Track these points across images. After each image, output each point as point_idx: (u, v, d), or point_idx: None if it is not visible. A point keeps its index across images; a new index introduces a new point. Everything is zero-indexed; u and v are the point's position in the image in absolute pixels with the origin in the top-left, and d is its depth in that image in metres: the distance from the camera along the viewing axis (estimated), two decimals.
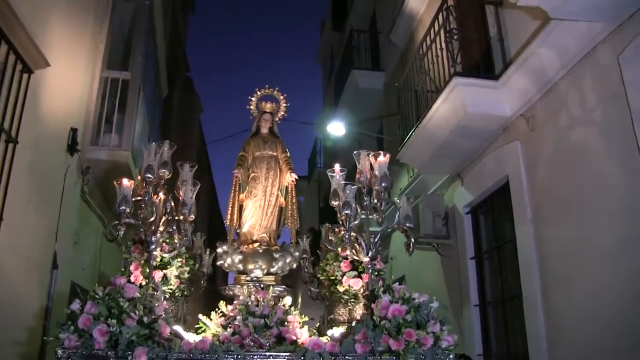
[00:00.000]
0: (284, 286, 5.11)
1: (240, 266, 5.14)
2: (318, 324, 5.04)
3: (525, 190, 6.96)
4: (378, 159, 4.42)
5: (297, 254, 5.31)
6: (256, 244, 5.22)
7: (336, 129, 13.62)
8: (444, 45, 7.63)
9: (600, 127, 5.62)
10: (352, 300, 4.86)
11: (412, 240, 4.42)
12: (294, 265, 5.34)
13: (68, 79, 7.30)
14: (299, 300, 4.89)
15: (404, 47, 12.23)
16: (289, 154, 5.69)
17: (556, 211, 6.34)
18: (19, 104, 5.69)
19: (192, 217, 4.38)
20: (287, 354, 3.88)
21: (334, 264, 4.98)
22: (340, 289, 4.90)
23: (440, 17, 7.75)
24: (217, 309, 4.50)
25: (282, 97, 5.88)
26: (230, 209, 5.47)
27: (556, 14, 5.55)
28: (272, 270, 5.13)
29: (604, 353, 5.24)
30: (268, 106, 5.83)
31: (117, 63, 9.07)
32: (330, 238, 5.16)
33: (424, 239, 8.88)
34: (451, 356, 3.87)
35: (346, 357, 3.84)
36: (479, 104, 7.14)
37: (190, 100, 22.57)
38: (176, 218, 4.38)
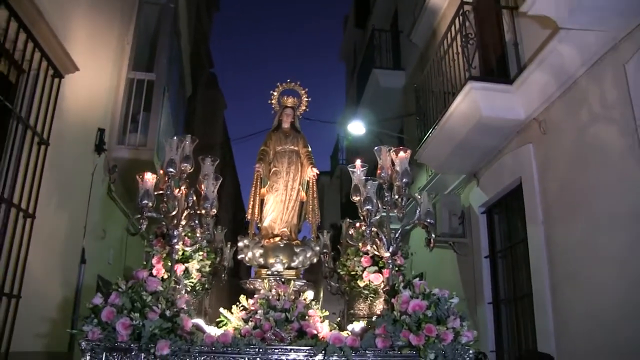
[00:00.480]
0: (304, 280, 5.12)
1: (261, 260, 5.16)
2: (339, 318, 5.06)
3: (537, 192, 7.18)
4: (399, 154, 4.41)
5: (317, 248, 5.32)
6: (277, 238, 5.24)
7: (356, 128, 13.92)
8: (460, 49, 7.83)
9: (607, 134, 5.82)
10: (372, 295, 4.89)
11: (433, 236, 4.45)
12: (315, 260, 5.35)
13: (95, 80, 7.54)
14: (321, 294, 4.89)
15: (423, 47, 12.48)
16: (310, 149, 5.69)
17: (566, 213, 6.57)
18: (50, 107, 5.94)
19: (214, 211, 4.40)
20: (308, 348, 3.90)
21: (355, 259, 5.01)
22: (361, 283, 4.94)
23: (457, 21, 7.95)
24: (238, 303, 4.53)
25: (303, 92, 5.87)
26: (251, 203, 5.48)
27: (564, 23, 5.78)
28: (292, 264, 5.15)
29: (608, 350, 5.46)
30: (290, 101, 5.82)
31: (143, 64, 9.35)
32: (350, 233, 5.18)
33: (441, 237, 8.99)
34: (471, 351, 3.89)
35: (367, 351, 3.86)
36: (494, 107, 7.35)
37: (214, 97, 22.69)
38: (198, 212, 4.41)
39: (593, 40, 5.90)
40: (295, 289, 4.71)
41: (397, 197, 4.39)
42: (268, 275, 5.01)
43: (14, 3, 5.05)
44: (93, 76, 7.41)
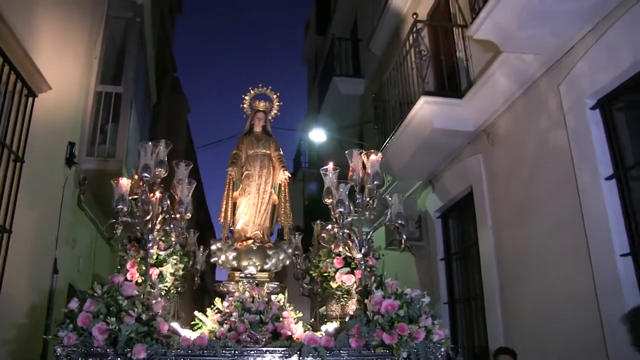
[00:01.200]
0: (277, 282, 5.16)
1: (235, 263, 5.19)
2: (312, 319, 5.13)
3: (486, 199, 7.83)
4: (370, 157, 4.50)
5: (290, 250, 5.37)
6: (250, 241, 5.27)
7: (318, 135, 14.30)
8: (414, 65, 8.45)
9: (545, 148, 6.53)
10: (345, 296, 4.94)
11: (404, 237, 4.55)
12: (287, 262, 5.40)
13: (65, 95, 7.62)
14: (286, 296, 4.97)
15: (382, 56, 12.93)
16: (281, 152, 5.73)
17: (513, 219, 7.20)
18: (25, 126, 6.12)
19: (189, 215, 4.45)
20: (284, 349, 3.97)
21: (327, 260, 5.06)
22: (333, 285, 4.99)
23: (411, 37, 8.55)
24: (212, 306, 4.55)
25: (275, 96, 5.92)
26: (224, 206, 5.50)
27: (505, 47, 6.56)
28: (265, 267, 5.18)
29: (553, 345, 6.01)
30: (261, 105, 5.88)
31: (109, 76, 9.47)
32: (322, 235, 5.26)
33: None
34: (442, 349, 3.99)
35: (341, 351, 3.93)
36: (445, 119, 7.96)
37: (178, 101, 22.66)
38: (173, 216, 4.44)
39: (531, 62, 6.63)
40: (268, 291, 4.74)
41: (368, 199, 4.46)
42: (241, 277, 4.99)
43: None
44: (63, 91, 7.50)
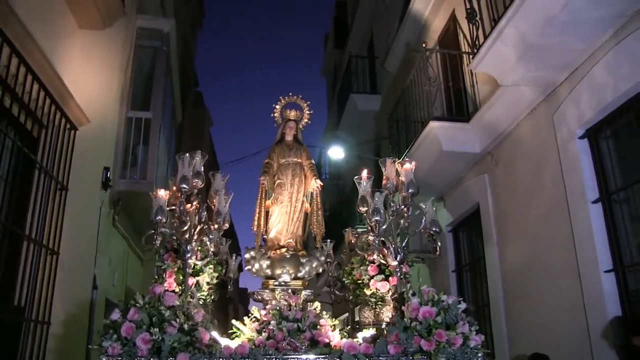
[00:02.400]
0: (311, 290, 5.25)
1: (268, 271, 5.28)
2: (349, 326, 5.20)
3: (491, 216, 8.53)
4: (404, 166, 4.62)
5: (322, 258, 5.44)
6: (283, 249, 5.36)
7: (336, 153, 14.96)
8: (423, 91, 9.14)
9: (542, 171, 7.16)
10: (379, 303, 5.02)
11: (439, 243, 4.64)
12: (320, 270, 5.48)
13: (100, 124, 8.10)
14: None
15: (396, 75, 13.52)
16: (313, 161, 5.82)
17: (513, 235, 7.91)
18: (67, 157, 6.81)
19: (226, 225, 4.55)
20: (324, 356, 4.04)
21: (361, 267, 5.14)
22: (367, 292, 5.07)
23: (420, 63, 9.21)
24: (249, 313, 4.68)
25: (305, 105, 6.01)
26: (257, 214, 5.57)
27: (503, 81, 7.22)
28: (299, 274, 5.27)
29: (550, 350, 6.15)
30: (292, 114, 5.95)
31: (138, 101, 9.97)
32: (353, 241, 5.34)
33: (413, 253, 9.58)
34: (480, 355, 4.05)
35: (380, 357, 4.00)
36: (453, 142, 8.59)
37: (201, 115, 23.04)
38: (210, 227, 4.54)
39: (528, 93, 7.26)
40: (304, 298, 4.89)
41: (402, 206, 4.57)
42: (275, 285, 5.15)
43: (34, 65, 5.75)
44: (98, 120, 7.94)
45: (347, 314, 14.80)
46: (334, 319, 4.71)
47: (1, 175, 5.81)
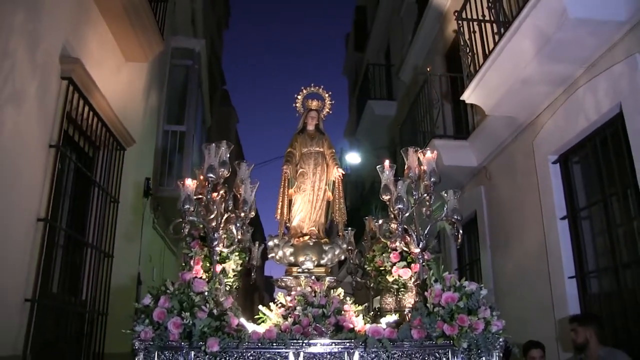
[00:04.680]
0: (334, 277, 5.40)
1: (292, 258, 5.43)
2: (371, 312, 5.34)
3: (486, 223, 9.83)
4: (426, 155, 4.80)
5: (344, 246, 5.58)
6: (306, 237, 5.51)
7: (353, 158, 17.07)
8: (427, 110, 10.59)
9: (523, 189, 8.34)
10: (402, 289, 5.17)
11: (460, 232, 4.78)
12: (342, 257, 5.61)
13: (142, 140, 9.38)
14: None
15: (409, 84, 14.89)
16: (334, 150, 5.96)
17: (503, 242, 9.16)
18: (118, 173, 8.16)
19: (252, 213, 4.74)
20: (349, 340, 4.19)
21: (383, 255, 5.30)
22: (390, 278, 5.23)
23: (425, 87, 10.48)
24: (274, 300, 4.83)
25: (327, 95, 6.13)
26: (280, 203, 5.73)
27: (490, 112, 8.38)
28: (322, 262, 5.41)
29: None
30: (314, 104, 6.07)
31: (173, 115, 11.24)
32: (374, 229, 5.49)
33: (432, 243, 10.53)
34: (501, 340, 4.19)
35: (404, 342, 4.17)
36: (453, 157, 9.81)
37: (228, 113, 23.74)
38: (237, 215, 4.67)
39: (513, 120, 8.41)
40: (328, 285, 5.01)
41: (425, 195, 4.74)
42: (299, 273, 5.31)
43: (92, 101, 7.01)
44: (140, 137, 9.15)
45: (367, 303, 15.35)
46: (357, 305, 4.90)
47: (66, 191, 6.98)
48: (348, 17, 27.24)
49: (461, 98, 8.75)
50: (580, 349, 5.70)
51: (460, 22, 8.74)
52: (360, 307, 4.86)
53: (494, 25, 7.63)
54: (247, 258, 5.51)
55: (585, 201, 7.30)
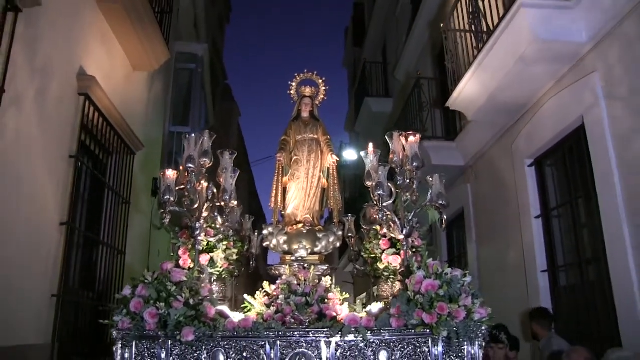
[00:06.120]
0: (327, 265, 5.10)
1: (286, 246, 5.14)
2: (364, 298, 5.17)
3: (472, 219, 10.17)
4: (409, 139, 4.38)
5: (340, 233, 5.26)
6: (300, 225, 5.23)
7: (350, 154, 17.81)
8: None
9: (503, 189, 8.82)
10: (392, 277, 4.88)
11: (445, 217, 4.43)
12: (338, 244, 5.27)
13: (150, 142, 9.58)
14: (334, 278, 5.09)
15: (404, 82, 14.62)
16: (329, 137, 5.61)
17: (486, 237, 9.57)
18: (129, 176, 8.44)
19: (234, 202, 4.43)
20: (326, 329, 3.90)
21: (374, 242, 4.99)
22: (381, 266, 4.91)
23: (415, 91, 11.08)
24: (261, 289, 4.54)
25: (321, 81, 5.83)
26: (274, 191, 5.44)
27: (472, 118, 8.77)
28: (316, 249, 5.11)
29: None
30: (308, 90, 5.79)
31: (178, 116, 11.55)
32: (374, 217, 5.32)
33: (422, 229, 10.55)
34: (483, 328, 3.84)
35: (382, 330, 3.86)
36: (441, 157, 10.26)
37: (230, 107, 23.51)
38: (218, 204, 4.47)
39: (494, 125, 8.81)
40: (318, 273, 4.73)
41: (408, 180, 4.37)
42: (292, 261, 5.00)
43: (105, 112, 7.47)
44: (149, 141, 9.41)
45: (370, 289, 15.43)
46: (344, 292, 4.74)
47: (83, 195, 7.28)
48: (350, 9, 26.70)
49: (446, 105, 9.01)
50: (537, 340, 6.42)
51: (444, 33, 9.03)
52: (346, 295, 4.51)
53: (474, 39, 7.93)
54: (245, 247, 5.28)
55: (556, 202, 7.64)
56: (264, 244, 5.28)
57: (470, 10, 7.93)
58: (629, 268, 5.73)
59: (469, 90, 8.13)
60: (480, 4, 7.65)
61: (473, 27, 7.90)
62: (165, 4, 9.72)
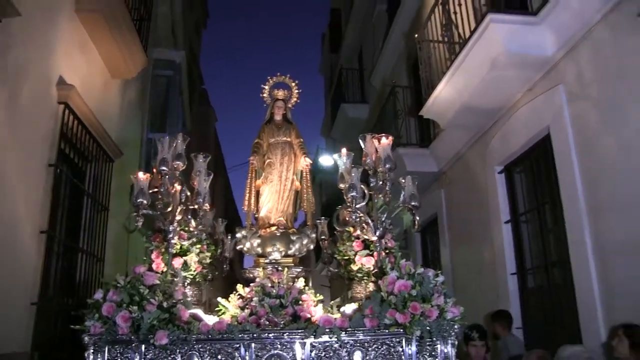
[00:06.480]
0: (301, 267, 5.03)
1: (259, 249, 5.06)
2: (339, 300, 5.15)
3: (445, 223, 10.37)
4: (381, 141, 4.33)
5: (313, 235, 5.19)
6: (274, 228, 5.13)
7: (326, 160, 17.69)
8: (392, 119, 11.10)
9: (475, 195, 9.07)
10: (365, 278, 4.83)
11: (417, 218, 4.38)
12: (311, 247, 5.20)
13: (128, 149, 9.48)
14: (310, 283, 5.08)
15: (379, 89, 14.70)
16: (302, 140, 5.53)
17: (458, 240, 9.84)
18: (107, 184, 8.34)
19: (207, 205, 4.32)
20: (300, 330, 3.85)
21: (347, 244, 4.92)
22: (354, 267, 4.85)
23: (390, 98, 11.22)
24: (235, 292, 4.45)
25: (294, 84, 5.74)
26: (247, 194, 5.36)
27: (445, 126, 9.08)
28: (289, 252, 5.04)
29: None
30: (280, 93, 5.71)
31: (156, 122, 11.35)
32: (347, 219, 5.31)
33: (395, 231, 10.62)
34: (456, 327, 3.83)
35: (356, 331, 3.81)
36: (415, 164, 10.32)
37: (206, 112, 23.12)
38: (192, 207, 4.38)
39: (467, 133, 9.07)
40: (292, 275, 4.69)
41: (381, 182, 4.31)
42: (266, 263, 4.92)
43: (84, 120, 7.41)
44: (127, 147, 9.35)
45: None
46: (318, 294, 4.67)
47: (62, 203, 7.14)
48: (327, 15, 26.38)
49: (419, 114, 9.19)
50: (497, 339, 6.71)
51: (419, 43, 9.17)
52: (320, 296, 4.41)
53: (446, 50, 8.22)
54: (218, 250, 5.19)
55: (525, 207, 7.89)
56: (238, 247, 5.18)
57: (444, 22, 8.09)
58: (589, 271, 6.01)
59: (442, 100, 8.29)
60: (453, 16, 7.83)
61: (446, 38, 8.11)
62: (144, 12, 9.63)
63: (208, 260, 4.99)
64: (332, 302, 4.66)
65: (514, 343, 6.51)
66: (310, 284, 4.74)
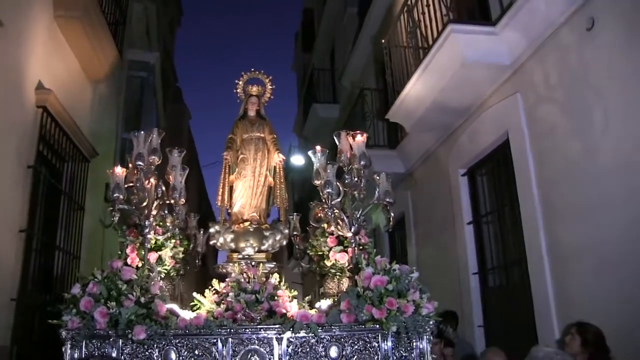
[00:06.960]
0: (274, 263, 4.96)
1: (232, 245, 4.97)
2: (310, 297, 5.17)
3: (411, 222, 10.55)
4: (356, 138, 4.30)
5: (286, 231, 5.12)
6: (247, 223, 5.06)
7: (297, 160, 17.96)
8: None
9: (439, 196, 9.29)
10: (339, 274, 4.79)
11: (392, 214, 4.39)
12: (284, 242, 5.13)
13: (104, 149, 9.63)
14: (283, 276, 5.08)
15: (350, 90, 14.75)
16: (276, 135, 5.46)
17: (423, 239, 10.08)
18: (83, 183, 8.46)
19: (183, 200, 4.21)
20: (277, 326, 3.79)
21: (321, 239, 4.89)
22: (328, 263, 4.82)
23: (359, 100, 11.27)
24: (210, 287, 4.35)
25: (267, 80, 5.67)
26: (220, 189, 5.28)
27: (410, 130, 9.30)
28: (262, 247, 4.96)
29: None
30: (254, 89, 5.61)
31: (131, 122, 11.29)
32: (320, 215, 5.33)
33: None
34: (431, 322, 3.83)
35: (332, 326, 3.77)
36: (383, 165, 9.81)
37: (180, 110, 23.06)
38: (167, 202, 4.27)
39: (432, 136, 9.31)
40: (265, 271, 4.59)
41: (356, 179, 4.29)
42: (239, 259, 4.85)
43: (61, 122, 7.64)
44: (102, 147, 9.49)
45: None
46: (292, 290, 4.58)
47: (40, 202, 7.29)
48: (300, 14, 26.09)
49: (385, 117, 9.29)
50: None
51: (385, 49, 9.31)
52: (295, 292, 4.35)
53: (411, 55, 8.32)
54: (191, 245, 5.11)
55: (486, 209, 8.05)
56: (211, 242, 5.07)
57: (408, 29, 8.19)
58: (544, 272, 6.21)
59: (407, 104, 8.38)
60: (417, 23, 8.02)
61: (411, 43, 8.20)
62: (119, 15, 9.73)
63: (181, 255, 4.91)
64: (306, 298, 4.66)
65: (459, 344, 6.72)
66: (283, 280, 4.72)
